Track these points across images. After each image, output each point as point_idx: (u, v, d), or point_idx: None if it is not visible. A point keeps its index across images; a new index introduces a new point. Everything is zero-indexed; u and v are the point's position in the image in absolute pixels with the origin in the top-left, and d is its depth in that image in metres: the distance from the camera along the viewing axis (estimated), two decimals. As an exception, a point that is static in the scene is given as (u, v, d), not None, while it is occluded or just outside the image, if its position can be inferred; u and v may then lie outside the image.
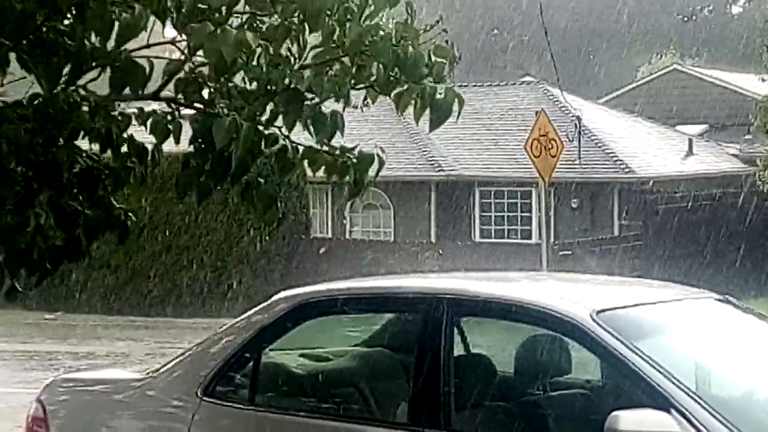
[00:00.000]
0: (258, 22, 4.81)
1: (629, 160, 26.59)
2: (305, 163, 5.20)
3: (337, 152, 5.18)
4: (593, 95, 38.22)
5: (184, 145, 5.15)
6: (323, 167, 5.22)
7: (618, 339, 4.66)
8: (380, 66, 4.86)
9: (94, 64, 4.74)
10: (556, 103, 27.42)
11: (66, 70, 4.76)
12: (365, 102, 5.13)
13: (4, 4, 4.50)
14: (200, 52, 4.79)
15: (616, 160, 26.51)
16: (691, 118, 34.94)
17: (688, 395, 4.47)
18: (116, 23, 4.62)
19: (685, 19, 58.87)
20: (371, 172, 5.23)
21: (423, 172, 26.66)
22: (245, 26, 4.74)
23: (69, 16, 4.68)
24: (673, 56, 46.63)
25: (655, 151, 28.45)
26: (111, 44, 4.72)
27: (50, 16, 4.67)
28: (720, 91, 35.27)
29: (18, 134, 4.73)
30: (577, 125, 26.12)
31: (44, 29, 4.69)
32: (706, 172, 28.11)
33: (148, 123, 5.03)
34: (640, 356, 4.60)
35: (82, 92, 4.91)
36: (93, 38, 4.74)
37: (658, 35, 55.04)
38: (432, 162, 26.64)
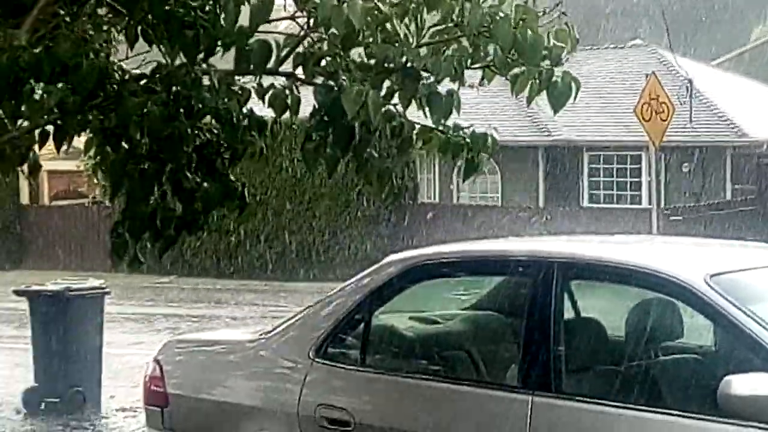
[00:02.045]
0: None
1: (742, 123, 26.02)
2: (420, 143, 5.25)
3: (451, 131, 5.20)
4: (705, 57, 37.45)
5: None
6: (437, 146, 5.26)
7: (732, 303, 4.60)
8: (498, 47, 4.86)
9: (225, 42, 4.83)
10: (667, 65, 26.94)
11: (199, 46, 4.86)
12: (481, 82, 5.15)
13: None
14: (320, 27, 4.85)
15: (728, 123, 25.97)
16: (808, 79, 34.02)
17: (804, 360, 4.40)
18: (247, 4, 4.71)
19: (802, -23, 57.16)
20: (486, 152, 5.25)
21: (531, 136, 26.48)
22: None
23: None
24: (789, 16, 45.40)
25: (770, 113, 27.79)
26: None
27: None
28: (838, 52, 34.25)
29: (145, 107, 4.84)
30: (689, 88, 25.63)
31: (175, 5, 4.79)
32: (823, 134, 27.35)
33: (267, 97, 5.11)
34: (754, 320, 4.53)
35: (204, 67, 5.00)
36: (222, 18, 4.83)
37: (774, -5, 53.59)
38: (540, 126, 26.44)
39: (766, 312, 4.63)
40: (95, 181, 26.64)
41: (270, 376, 5.72)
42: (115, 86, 4.96)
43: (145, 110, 4.87)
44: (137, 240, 5.37)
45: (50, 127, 5.14)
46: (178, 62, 5.00)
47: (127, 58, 5.23)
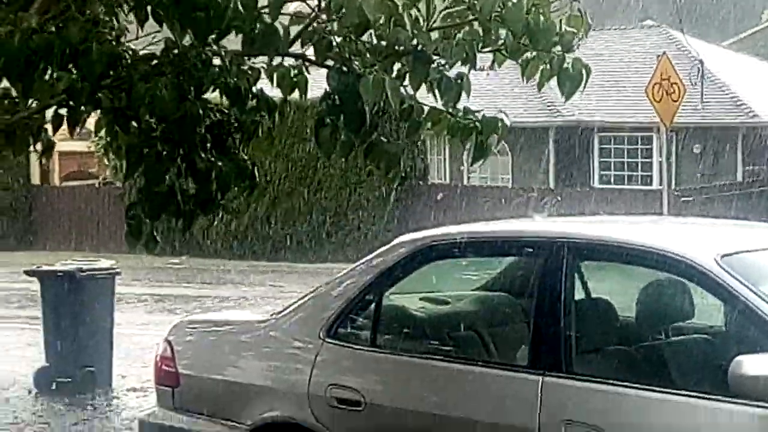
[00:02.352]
0: None
1: (754, 104, 25.95)
2: (428, 124, 5.25)
3: (460, 114, 5.20)
4: (717, 38, 37.31)
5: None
6: (446, 129, 5.26)
7: (743, 283, 4.59)
8: (509, 32, 4.86)
9: (235, 25, 4.83)
10: (679, 46, 26.86)
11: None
12: (492, 65, 5.15)
13: None
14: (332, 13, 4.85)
15: (740, 104, 25.90)
16: (820, 60, 33.85)
17: (815, 340, 4.40)
18: None
19: (815, -43, 56.85)
20: (495, 136, 5.26)
21: (541, 117, 26.45)
22: None
23: None
24: (801, -4, 45.21)
25: (781, 94, 27.68)
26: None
27: None
28: None
29: (156, 89, 4.85)
30: (700, 69, 25.58)
31: None
32: (835, 115, 27.24)
33: (275, 77, 5.12)
34: (765, 300, 4.52)
35: (214, 48, 5.01)
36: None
37: (786, -25, 53.31)
38: (550, 107, 26.39)
39: (777, 293, 4.63)
40: (106, 161, 26.69)
41: (280, 356, 5.74)
42: (124, 68, 4.96)
43: (155, 93, 4.88)
44: (156, 220, 5.40)
45: (63, 110, 5.16)
46: (187, 42, 5.00)
47: (137, 38, 5.23)
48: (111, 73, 4.88)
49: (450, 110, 5.22)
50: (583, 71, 4.99)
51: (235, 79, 5.08)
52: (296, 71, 5.12)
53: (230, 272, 22.45)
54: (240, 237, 24.93)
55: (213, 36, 4.92)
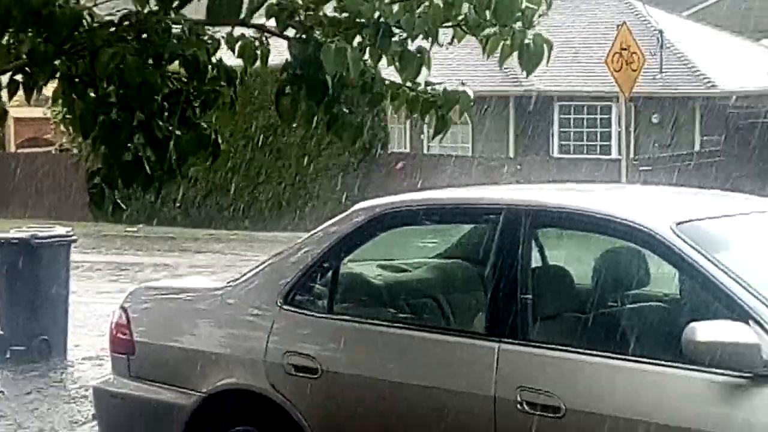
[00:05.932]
0: None
1: (712, 75, 26.07)
2: (388, 98, 5.23)
3: (421, 88, 5.18)
4: (677, 8, 37.43)
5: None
6: (405, 103, 5.24)
7: (697, 251, 4.62)
8: (471, 7, 4.83)
9: None
10: (638, 16, 26.92)
11: None
12: (451, 41, 5.13)
13: None
14: None
15: (698, 75, 26.02)
16: (777, 31, 34.04)
17: (767, 306, 4.44)
18: None
19: (774, -71, 57.02)
20: (457, 110, 5.23)
21: (502, 86, 26.43)
22: None
23: None
24: (760, -32, 45.36)
25: (739, 65, 27.84)
26: None
27: None
28: (808, 4, 34.27)
29: (120, 55, 4.78)
30: (659, 39, 25.65)
31: None
32: (792, 86, 27.42)
33: (237, 47, 5.07)
34: (719, 268, 4.56)
35: (173, 16, 4.94)
36: None
37: (745, -54, 53.48)
38: (511, 76, 26.38)
39: (731, 260, 4.66)
40: (62, 129, 26.44)
41: (237, 324, 5.72)
42: (85, 34, 4.89)
43: (118, 60, 4.81)
44: (128, 189, 5.36)
45: (19, 77, 5.07)
46: (146, 10, 4.94)
47: (95, 4, 5.15)
48: (74, 36, 4.80)
49: (410, 84, 5.19)
50: (545, 47, 4.97)
51: (194, 50, 5.02)
52: (258, 42, 5.08)
53: (188, 240, 22.36)
54: (198, 205, 24.81)
55: (176, 3, 4.85)
